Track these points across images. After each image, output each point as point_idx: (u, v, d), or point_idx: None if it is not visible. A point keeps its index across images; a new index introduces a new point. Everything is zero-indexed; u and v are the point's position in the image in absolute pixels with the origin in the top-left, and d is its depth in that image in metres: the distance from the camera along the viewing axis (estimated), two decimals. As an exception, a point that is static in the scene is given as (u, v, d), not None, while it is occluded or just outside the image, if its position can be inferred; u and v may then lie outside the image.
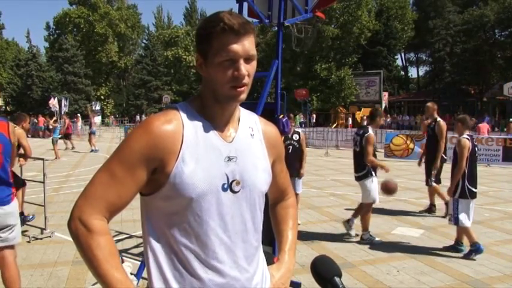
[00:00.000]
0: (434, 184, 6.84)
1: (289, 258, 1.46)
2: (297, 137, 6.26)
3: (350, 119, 32.32)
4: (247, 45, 1.20)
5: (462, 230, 4.97)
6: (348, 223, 5.74)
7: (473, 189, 4.96)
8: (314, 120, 33.71)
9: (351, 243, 5.43)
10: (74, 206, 1.17)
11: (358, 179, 5.63)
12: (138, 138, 1.18)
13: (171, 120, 1.21)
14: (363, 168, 5.51)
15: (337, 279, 1.20)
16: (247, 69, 1.21)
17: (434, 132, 6.78)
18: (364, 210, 5.60)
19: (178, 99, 44.32)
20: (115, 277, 1.10)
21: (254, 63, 1.24)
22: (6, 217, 3.29)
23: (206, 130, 1.24)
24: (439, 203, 6.97)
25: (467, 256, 4.89)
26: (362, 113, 33.39)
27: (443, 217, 6.52)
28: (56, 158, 14.90)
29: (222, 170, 1.23)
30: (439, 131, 6.71)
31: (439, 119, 6.87)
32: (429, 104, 7.19)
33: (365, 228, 5.57)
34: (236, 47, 1.18)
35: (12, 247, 3.38)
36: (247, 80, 1.21)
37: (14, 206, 3.37)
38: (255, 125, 1.37)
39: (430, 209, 7.06)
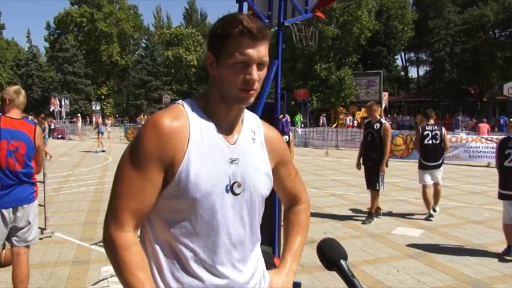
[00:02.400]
0: (381, 189, 6.51)
1: (291, 266, 1.43)
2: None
3: (349, 120, 32.26)
4: (262, 51, 1.20)
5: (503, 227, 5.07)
6: (432, 210, 6.70)
7: (501, 191, 4.96)
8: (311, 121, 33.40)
9: (351, 243, 5.42)
10: (104, 223, 1.20)
11: (438, 166, 6.74)
12: (148, 139, 1.17)
13: (178, 118, 1.20)
14: (441, 157, 6.82)
15: (343, 262, 1.19)
16: (259, 75, 1.21)
17: (379, 134, 6.45)
18: (439, 190, 6.82)
19: (178, 99, 44.10)
20: None
21: (265, 69, 1.24)
22: (28, 215, 3.35)
23: (211, 129, 1.23)
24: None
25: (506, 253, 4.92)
26: (362, 113, 33.34)
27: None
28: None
29: (225, 171, 1.22)
30: (385, 134, 6.43)
31: (383, 120, 6.64)
32: (373, 104, 6.85)
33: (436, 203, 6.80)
34: (252, 51, 1.18)
35: (27, 246, 3.42)
36: (257, 85, 1.22)
37: (35, 205, 3.44)
38: (258, 128, 1.37)
39: (377, 212, 6.69)
